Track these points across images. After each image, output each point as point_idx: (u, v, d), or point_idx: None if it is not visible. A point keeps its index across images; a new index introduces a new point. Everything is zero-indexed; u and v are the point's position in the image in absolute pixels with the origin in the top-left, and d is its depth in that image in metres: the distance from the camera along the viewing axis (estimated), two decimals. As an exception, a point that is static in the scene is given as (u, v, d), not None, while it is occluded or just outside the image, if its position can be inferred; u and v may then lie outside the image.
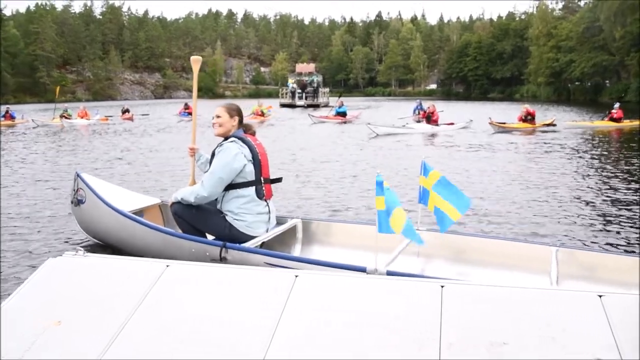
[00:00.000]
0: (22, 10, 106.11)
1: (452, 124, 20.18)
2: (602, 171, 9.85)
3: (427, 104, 22.07)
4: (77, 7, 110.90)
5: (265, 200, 4.11)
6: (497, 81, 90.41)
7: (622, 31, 48.57)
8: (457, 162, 11.06)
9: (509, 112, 31.71)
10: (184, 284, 2.32)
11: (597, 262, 3.56)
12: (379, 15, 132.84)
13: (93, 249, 4.94)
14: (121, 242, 4.62)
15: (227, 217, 4.01)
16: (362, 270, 3.21)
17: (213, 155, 4.06)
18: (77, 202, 4.87)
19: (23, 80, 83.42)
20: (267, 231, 4.12)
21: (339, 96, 31.84)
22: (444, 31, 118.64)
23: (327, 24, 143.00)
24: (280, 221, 4.43)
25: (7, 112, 26.45)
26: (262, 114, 26.75)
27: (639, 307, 1.94)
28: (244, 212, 3.99)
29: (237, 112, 4.16)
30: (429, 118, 19.82)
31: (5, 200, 7.42)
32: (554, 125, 19.95)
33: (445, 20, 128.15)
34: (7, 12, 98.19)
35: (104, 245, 4.96)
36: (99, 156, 12.97)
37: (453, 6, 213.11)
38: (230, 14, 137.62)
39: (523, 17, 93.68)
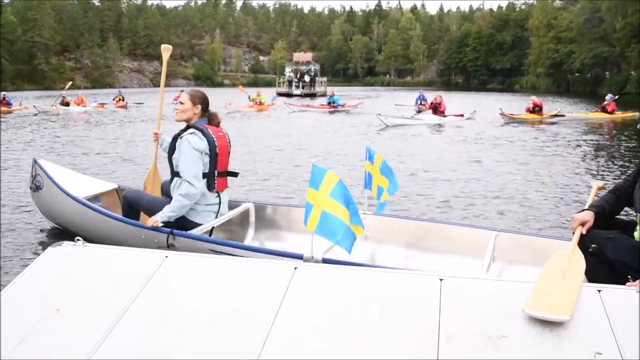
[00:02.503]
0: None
1: (461, 115, 19.96)
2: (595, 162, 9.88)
3: (431, 95, 21.93)
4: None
5: (217, 192, 4.14)
6: (497, 72, 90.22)
7: (623, 22, 48.37)
8: (477, 154, 10.98)
9: (511, 103, 31.58)
10: (183, 274, 2.32)
11: (535, 246, 3.67)
12: (378, 5, 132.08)
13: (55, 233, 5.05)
14: (76, 227, 4.69)
15: None
16: (299, 257, 3.30)
17: (173, 141, 4.05)
18: (36, 187, 4.98)
19: (21, 68, 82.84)
20: (215, 218, 4.17)
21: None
22: (444, 21, 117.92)
23: (326, 13, 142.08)
24: (232, 205, 4.46)
25: (3, 98, 26.35)
26: (261, 104, 26.56)
27: (638, 301, 1.95)
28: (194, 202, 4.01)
29: (200, 100, 4.14)
30: (436, 109, 19.66)
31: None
32: (563, 115, 20.00)
33: (445, 10, 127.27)
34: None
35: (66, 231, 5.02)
36: (74, 143, 13.11)
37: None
38: (230, 2, 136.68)
39: (523, 7, 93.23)
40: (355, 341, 1.90)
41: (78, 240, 2.52)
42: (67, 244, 2.51)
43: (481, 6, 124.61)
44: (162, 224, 3.92)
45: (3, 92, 29.62)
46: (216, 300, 2.14)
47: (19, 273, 4.04)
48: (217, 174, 4.07)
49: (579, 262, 2.69)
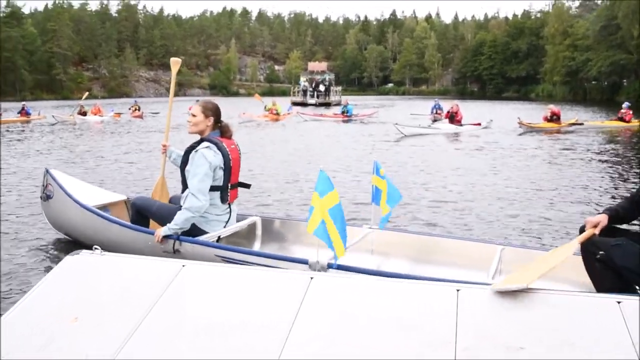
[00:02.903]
0: (40, 8, 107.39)
1: (478, 124, 19.77)
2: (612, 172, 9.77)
3: (447, 104, 21.77)
4: (93, 5, 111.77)
5: (228, 204, 4.15)
6: (512, 80, 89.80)
7: (640, 29, 48.01)
8: (495, 164, 10.86)
9: (528, 111, 31.23)
10: (200, 283, 2.32)
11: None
12: (393, 14, 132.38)
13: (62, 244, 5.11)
14: (84, 235, 4.76)
15: None
16: (305, 262, 3.34)
17: (186, 154, 4.05)
18: (46, 197, 5.04)
19: (40, 78, 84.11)
20: (224, 228, 4.19)
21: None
22: (459, 30, 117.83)
23: (341, 22, 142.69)
24: (239, 219, 4.48)
25: (22, 108, 27.05)
26: (277, 114, 26.50)
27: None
28: (205, 211, 4.00)
29: (213, 112, 4.10)
30: (453, 118, 19.43)
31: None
32: (581, 124, 19.82)
33: (460, 19, 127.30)
34: (26, 10, 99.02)
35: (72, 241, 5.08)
36: (90, 152, 13.25)
37: (468, 5, 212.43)
38: (245, 12, 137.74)
39: (539, 15, 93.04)
40: (372, 351, 1.89)
41: (96, 248, 2.54)
42: (84, 252, 2.53)
43: (496, 14, 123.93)
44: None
45: (22, 102, 30.25)
46: (233, 309, 2.14)
47: (28, 282, 4.09)
48: (230, 186, 4.08)
49: (568, 250, 2.74)
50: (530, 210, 6.68)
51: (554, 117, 19.87)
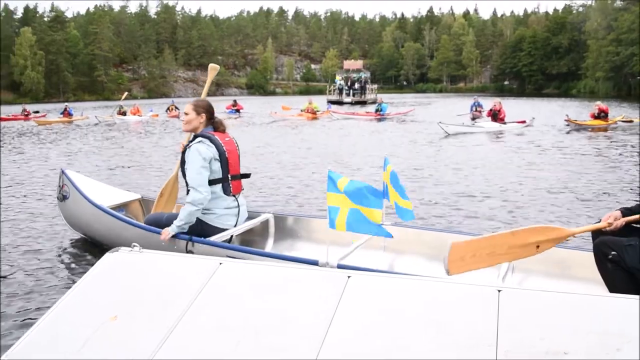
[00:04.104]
0: (83, 12, 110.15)
1: (523, 122, 19.32)
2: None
3: (486, 101, 21.31)
4: (133, 8, 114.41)
5: (234, 195, 4.20)
6: (553, 76, 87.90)
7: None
8: (541, 163, 10.57)
9: (573, 108, 30.10)
10: (237, 281, 2.31)
11: (554, 257, 3.59)
12: (430, 11, 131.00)
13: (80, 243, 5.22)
14: (99, 235, 4.86)
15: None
16: (315, 263, 3.32)
17: (183, 154, 4.14)
18: (62, 197, 5.12)
19: (82, 79, 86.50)
20: (235, 225, 4.22)
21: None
22: (497, 26, 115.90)
23: (377, 20, 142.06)
24: (252, 216, 4.53)
25: (65, 109, 28.02)
26: (314, 113, 26.34)
27: None
28: (213, 206, 4.08)
29: (205, 109, 4.21)
30: (495, 116, 19.02)
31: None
32: (631, 121, 19.27)
33: (499, 15, 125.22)
34: (69, 14, 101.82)
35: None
36: (121, 151, 13.51)
37: (507, 0, 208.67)
38: (281, 12, 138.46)
39: (581, 9, 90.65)
40: (410, 352, 1.85)
41: (134, 246, 2.56)
42: (123, 249, 2.55)
43: (536, 9, 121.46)
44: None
45: (65, 103, 31.26)
46: (270, 308, 2.13)
47: (56, 283, 4.17)
48: (230, 177, 4.15)
49: (550, 242, 2.76)
50: (580, 211, 6.51)
51: (602, 114, 19.21)
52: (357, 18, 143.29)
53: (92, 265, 4.39)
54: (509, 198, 7.32)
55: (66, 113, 27.88)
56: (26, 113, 30.49)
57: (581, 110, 26.63)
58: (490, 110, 19.67)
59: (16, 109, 35.36)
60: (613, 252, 2.81)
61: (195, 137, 4.14)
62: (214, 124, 4.25)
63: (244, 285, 2.29)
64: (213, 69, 4.98)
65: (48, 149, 14.84)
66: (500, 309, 1.98)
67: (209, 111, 4.23)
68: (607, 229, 2.90)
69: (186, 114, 4.20)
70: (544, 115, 21.87)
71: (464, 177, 8.92)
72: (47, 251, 5.13)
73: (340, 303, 2.10)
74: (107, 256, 2.53)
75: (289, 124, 23.12)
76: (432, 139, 15.83)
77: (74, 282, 4.15)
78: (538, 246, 2.87)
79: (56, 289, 4.12)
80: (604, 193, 7.62)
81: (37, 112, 32.83)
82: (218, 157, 4.04)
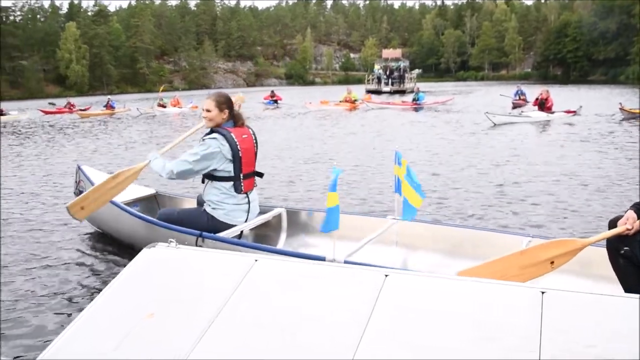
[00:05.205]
0: (125, 5, 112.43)
1: (573, 112, 18.52)
2: None
3: (531, 89, 20.55)
4: (173, 0, 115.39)
5: (245, 193, 4.19)
6: (599, 62, 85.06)
7: None
8: (592, 155, 10.02)
9: (623, 96, 28.47)
10: (273, 278, 2.29)
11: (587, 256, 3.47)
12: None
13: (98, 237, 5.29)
14: (115, 230, 4.94)
15: (207, 209, 4.16)
16: (322, 259, 3.33)
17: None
18: (79, 192, 5.21)
19: (125, 72, 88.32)
20: (246, 220, 4.22)
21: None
22: (541, 11, 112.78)
23: (417, 7, 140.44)
24: (264, 210, 4.54)
25: (107, 102, 28.88)
26: (353, 102, 25.87)
27: None
28: (223, 202, 4.10)
29: (226, 105, 4.14)
30: (542, 105, 18.17)
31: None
32: None
33: (543, 0, 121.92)
34: (112, 9, 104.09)
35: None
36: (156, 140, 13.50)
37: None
38: (320, 1, 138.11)
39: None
40: (450, 353, 1.80)
41: (171, 241, 2.55)
42: (160, 245, 2.55)
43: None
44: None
45: (108, 96, 32.11)
46: (306, 306, 2.09)
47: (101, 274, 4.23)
48: (242, 176, 4.13)
49: (564, 257, 2.70)
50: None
51: None
52: (396, 6, 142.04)
53: (113, 262, 4.49)
54: (560, 197, 6.87)
55: (109, 106, 28.68)
56: (70, 106, 31.32)
57: (630, 97, 25.61)
58: (537, 99, 18.75)
59: (61, 102, 36.32)
60: (625, 248, 2.78)
61: (211, 131, 4.12)
62: (234, 118, 4.22)
63: (279, 283, 2.26)
64: (239, 98, 4.58)
65: (90, 141, 15.16)
66: (544, 311, 1.90)
67: (229, 106, 4.18)
68: (629, 234, 2.76)
69: (208, 110, 4.10)
70: (592, 104, 20.89)
71: (508, 171, 8.65)
72: (71, 247, 5.16)
73: (377, 303, 2.06)
74: (144, 252, 2.53)
75: (326, 114, 22.94)
76: (474, 129, 15.35)
77: (102, 277, 4.21)
78: (552, 262, 2.79)
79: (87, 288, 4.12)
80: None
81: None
82: (231, 157, 4.03)
